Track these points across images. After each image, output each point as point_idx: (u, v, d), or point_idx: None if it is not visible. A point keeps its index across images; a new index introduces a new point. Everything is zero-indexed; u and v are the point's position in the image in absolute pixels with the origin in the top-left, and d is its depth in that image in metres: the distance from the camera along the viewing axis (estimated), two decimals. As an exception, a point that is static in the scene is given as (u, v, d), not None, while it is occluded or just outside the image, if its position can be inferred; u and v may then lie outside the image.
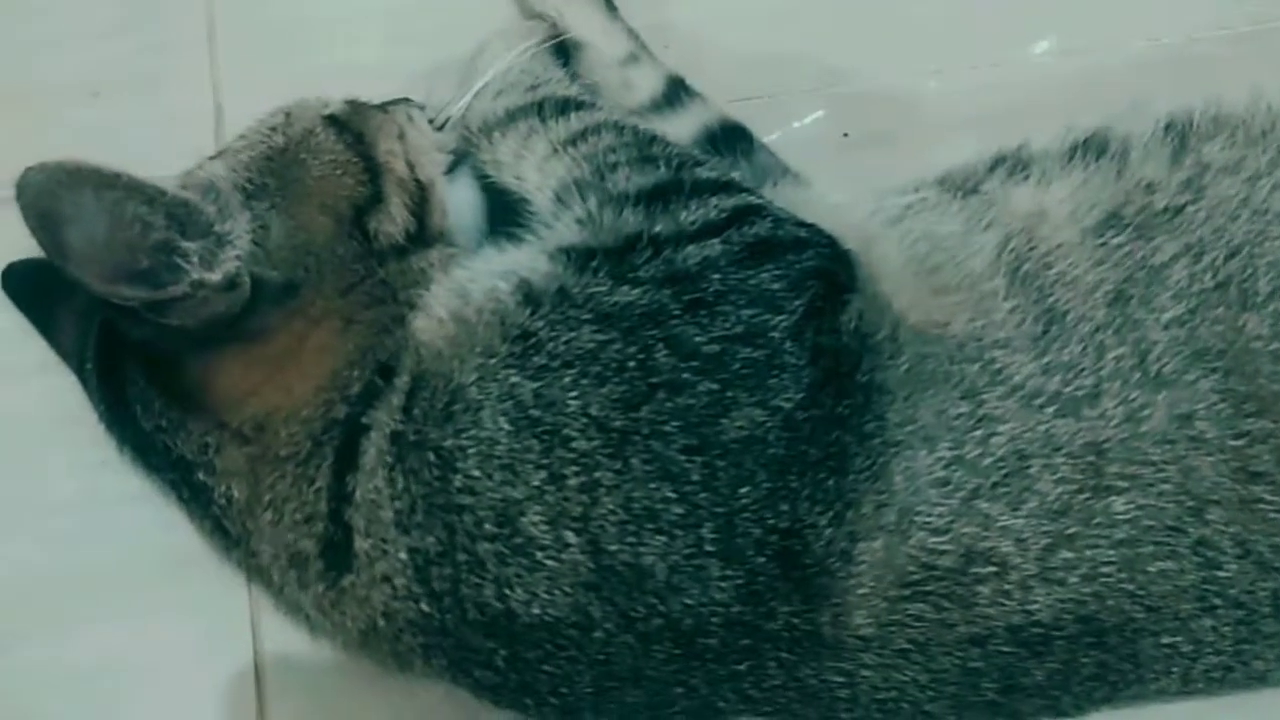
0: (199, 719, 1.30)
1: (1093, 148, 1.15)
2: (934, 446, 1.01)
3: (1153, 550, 1.01)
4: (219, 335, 1.07)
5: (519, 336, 1.03)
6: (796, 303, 1.04)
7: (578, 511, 0.99)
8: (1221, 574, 1.01)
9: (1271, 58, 1.40)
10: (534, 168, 1.19)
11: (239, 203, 1.09)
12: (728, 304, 1.03)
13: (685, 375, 1.00)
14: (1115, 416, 1.01)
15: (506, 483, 1.00)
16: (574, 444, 1.00)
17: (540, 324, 1.03)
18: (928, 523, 1.00)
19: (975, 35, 1.44)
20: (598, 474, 0.99)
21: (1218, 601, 1.02)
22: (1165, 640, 1.03)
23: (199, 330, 1.06)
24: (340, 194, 1.13)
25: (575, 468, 0.99)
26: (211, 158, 1.16)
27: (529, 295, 1.05)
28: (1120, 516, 1.00)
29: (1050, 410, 1.02)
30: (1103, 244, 1.08)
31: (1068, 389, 1.02)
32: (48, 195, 0.98)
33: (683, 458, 0.99)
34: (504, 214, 1.21)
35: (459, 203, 1.22)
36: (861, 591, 1.00)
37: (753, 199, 1.13)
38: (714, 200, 1.10)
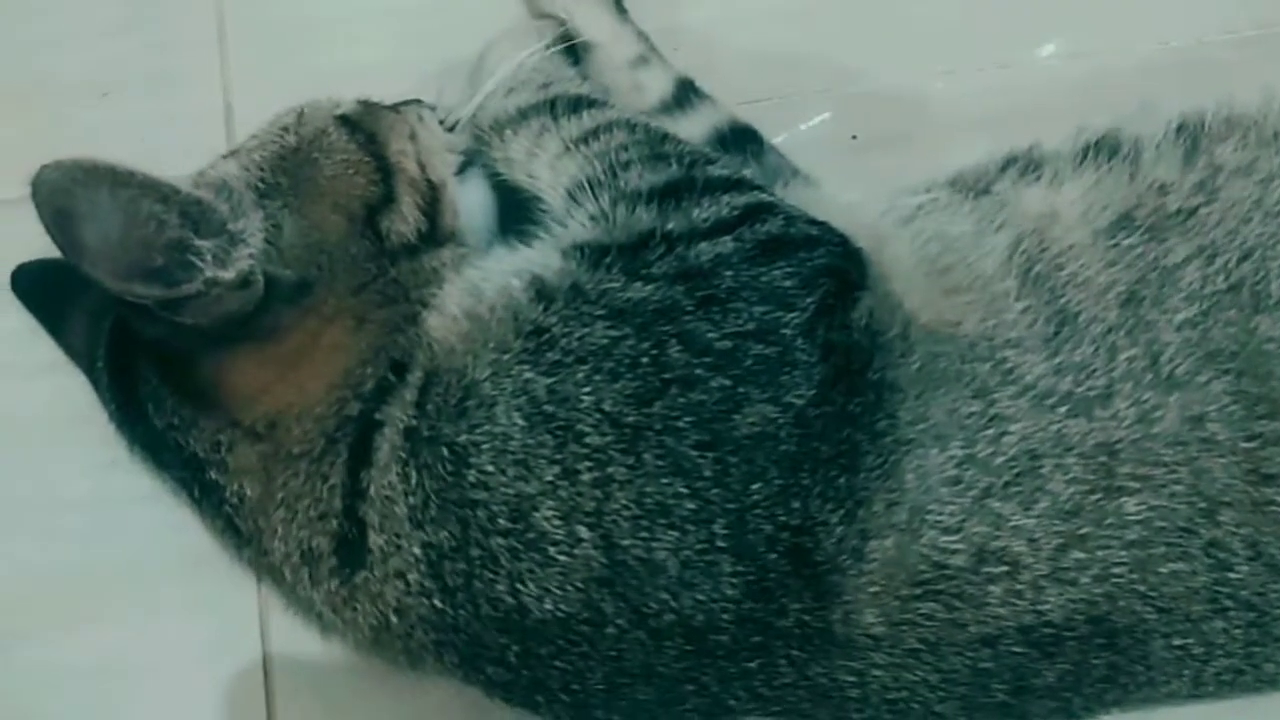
0: (207, 718, 1.30)
1: (1104, 149, 1.15)
2: (946, 445, 1.01)
3: (1164, 551, 1.01)
4: (232, 333, 1.07)
5: (532, 332, 1.03)
6: (808, 300, 1.04)
7: (591, 506, 1.00)
8: (1233, 575, 1.01)
9: (1279, 61, 1.40)
10: (546, 166, 1.19)
11: (252, 201, 1.09)
12: (740, 301, 1.03)
13: (698, 371, 1.01)
14: (1127, 417, 1.01)
15: (520, 478, 1.01)
16: (587, 439, 1.00)
17: (554, 320, 1.03)
18: (939, 521, 1.00)
19: (983, 37, 1.44)
20: (611, 469, 1.00)
21: (1229, 603, 1.02)
22: (1176, 642, 1.03)
23: (212, 328, 1.06)
24: (352, 193, 1.13)
25: (588, 463, 1.00)
26: (224, 157, 1.16)
27: (542, 291, 1.06)
28: (1132, 517, 1.00)
29: (1062, 410, 1.02)
30: (1115, 245, 1.08)
31: (1080, 389, 1.02)
32: (63, 193, 0.98)
33: (695, 453, 0.99)
34: (515, 215, 1.21)
35: (470, 203, 1.22)
36: (873, 590, 1.00)
37: (764, 197, 1.13)
38: (726, 198, 1.10)
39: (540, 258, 1.11)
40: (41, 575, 1.33)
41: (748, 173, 1.20)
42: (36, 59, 1.48)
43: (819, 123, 1.42)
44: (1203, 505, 1.01)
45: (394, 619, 1.07)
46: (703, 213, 1.09)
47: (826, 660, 1.02)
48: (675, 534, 0.99)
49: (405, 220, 1.14)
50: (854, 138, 1.41)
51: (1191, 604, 1.02)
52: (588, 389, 1.01)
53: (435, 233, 1.16)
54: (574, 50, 1.34)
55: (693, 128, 1.32)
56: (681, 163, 1.15)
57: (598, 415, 1.00)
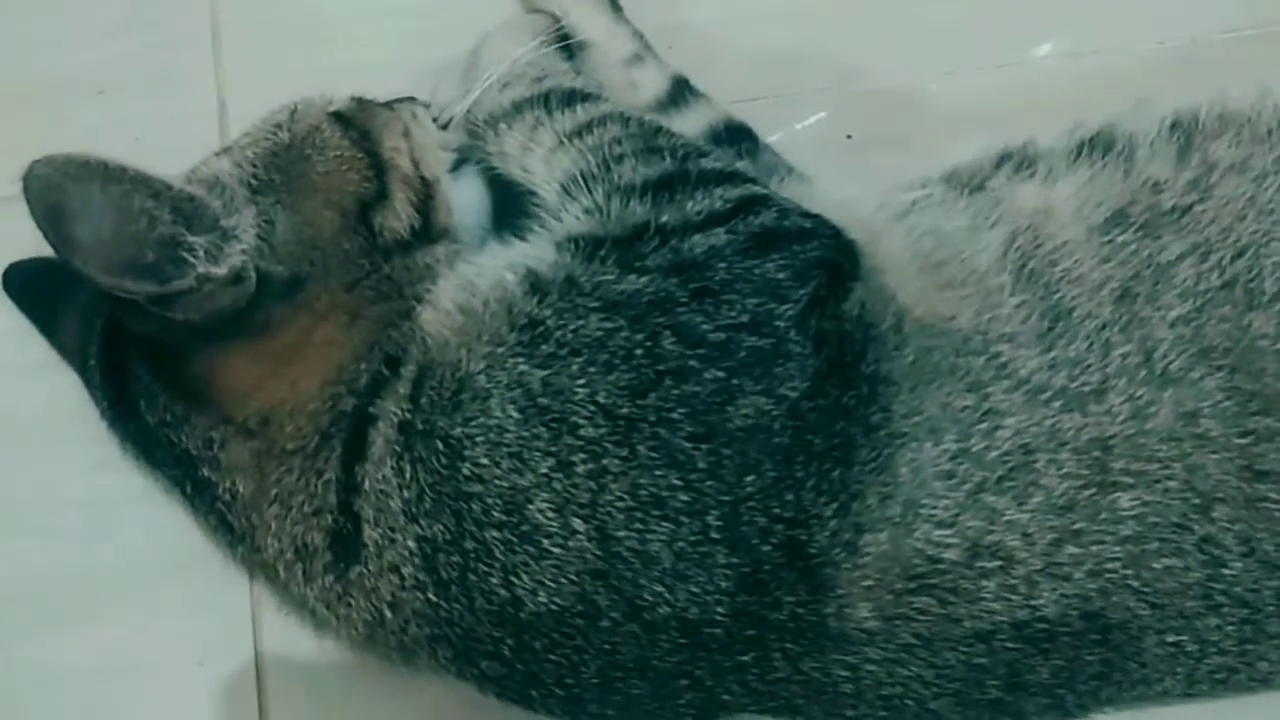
0: (200, 717, 1.30)
1: (1099, 146, 1.15)
2: (939, 439, 1.01)
3: (1158, 547, 1.01)
4: (224, 330, 1.07)
5: (527, 325, 1.03)
6: (801, 292, 1.04)
7: (585, 499, 0.99)
8: (1226, 572, 1.01)
9: (1276, 60, 1.40)
10: (540, 160, 1.19)
11: (244, 198, 1.09)
12: (733, 293, 1.03)
13: (692, 363, 1.01)
14: (1121, 413, 1.01)
15: (515, 470, 1.00)
16: (582, 431, 1.00)
17: (548, 312, 1.03)
18: (933, 515, 1.00)
19: (980, 37, 1.44)
20: (605, 461, 0.99)
21: (1222, 600, 1.02)
22: (1170, 638, 1.03)
23: (204, 325, 1.06)
24: (345, 189, 1.13)
25: (583, 455, 1.00)
26: (217, 154, 1.16)
27: (536, 284, 1.06)
28: (1126, 513, 1.00)
29: (1056, 405, 1.02)
30: (1109, 242, 1.08)
31: (1074, 384, 1.02)
32: (54, 188, 0.97)
33: (689, 445, 0.99)
34: (509, 212, 1.21)
35: (464, 200, 1.22)
36: (866, 584, 1.00)
37: (758, 189, 1.13)
38: (719, 191, 1.10)
39: (535, 251, 1.11)
40: (35, 575, 1.33)
41: (741, 166, 1.20)
42: (32, 57, 1.49)
43: (815, 122, 1.43)
44: (1196, 501, 1.00)
45: (388, 614, 1.06)
46: (696, 205, 1.09)
47: (820, 654, 1.02)
48: (669, 526, 0.99)
49: (398, 217, 1.14)
50: (849, 137, 1.42)
51: (1185, 600, 1.02)
52: (582, 381, 1.00)
53: (428, 229, 1.16)
54: (569, 47, 1.34)
55: (687, 126, 1.32)
56: (675, 156, 1.15)
57: (592, 407, 1.00)
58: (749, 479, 0.99)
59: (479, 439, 1.01)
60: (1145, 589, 1.01)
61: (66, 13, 1.49)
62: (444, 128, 1.26)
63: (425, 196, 1.17)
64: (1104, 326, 1.04)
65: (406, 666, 1.12)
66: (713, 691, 1.05)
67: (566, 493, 1.00)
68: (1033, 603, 1.01)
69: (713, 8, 1.45)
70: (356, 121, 1.18)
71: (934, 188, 1.17)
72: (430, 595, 1.04)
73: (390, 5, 1.48)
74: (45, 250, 1.00)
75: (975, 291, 1.07)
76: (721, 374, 1.00)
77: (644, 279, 1.04)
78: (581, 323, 1.02)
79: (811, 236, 1.08)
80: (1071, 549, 1.00)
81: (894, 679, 1.03)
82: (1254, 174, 1.10)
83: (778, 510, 0.99)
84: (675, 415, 1.00)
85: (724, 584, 1.00)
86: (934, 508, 1.00)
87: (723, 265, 1.04)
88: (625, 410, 1.00)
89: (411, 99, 1.29)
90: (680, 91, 1.35)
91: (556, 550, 1.00)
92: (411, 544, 1.03)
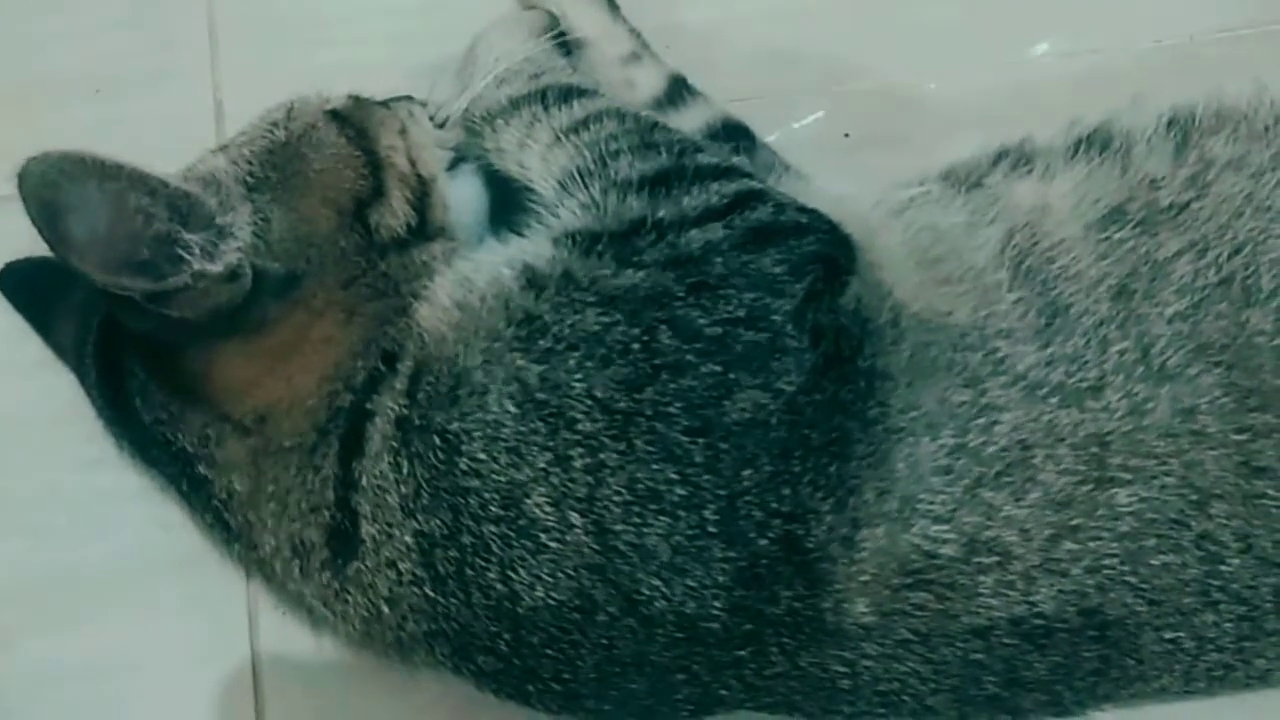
0: (196, 717, 1.30)
1: (1096, 142, 1.15)
2: (937, 434, 1.01)
3: (1155, 543, 1.01)
4: (220, 327, 1.06)
5: (524, 320, 1.03)
6: (797, 287, 1.04)
7: (582, 493, 0.99)
8: (1224, 568, 1.01)
9: (1273, 59, 1.40)
10: (537, 156, 1.20)
11: (240, 195, 1.09)
12: (730, 287, 1.03)
13: (688, 357, 1.01)
14: (1119, 409, 1.01)
15: (512, 465, 1.00)
16: (579, 426, 1.00)
17: (545, 307, 1.03)
18: (930, 511, 1.00)
19: (977, 36, 1.45)
20: (602, 455, 0.99)
21: (1220, 596, 1.02)
22: (1168, 635, 1.03)
23: (200, 322, 1.05)
24: (342, 187, 1.13)
25: (580, 449, 1.00)
26: (213, 152, 1.16)
27: (533, 279, 1.06)
28: (1123, 509, 1.00)
29: (1054, 401, 1.02)
30: (1106, 239, 1.08)
31: (1071, 380, 1.02)
32: (49, 185, 0.97)
33: (685, 439, 0.99)
34: (507, 210, 1.21)
35: (461, 199, 1.22)
36: (863, 578, 1.00)
37: (754, 184, 1.14)
38: (715, 185, 1.10)
39: (532, 247, 1.11)
40: (28, 574, 1.33)
41: (737, 160, 1.20)
42: (29, 56, 1.49)
43: (812, 121, 1.43)
44: (1194, 497, 1.00)
45: (385, 609, 1.06)
46: (693, 200, 1.09)
47: (818, 649, 1.02)
48: (666, 520, 0.99)
49: (395, 214, 1.14)
50: (847, 136, 1.42)
51: (1182, 597, 1.02)
52: (579, 375, 1.00)
53: (425, 227, 1.16)
54: (565, 45, 1.34)
55: (685, 125, 1.32)
56: (671, 151, 1.15)
57: (589, 402, 1.00)
58: (746, 473, 0.99)
59: (476, 434, 1.01)
60: (1143, 585, 1.01)
61: (64, 12, 1.50)
62: (441, 126, 1.27)
63: (422, 194, 1.17)
64: (1101, 323, 1.04)
65: (403, 663, 1.12)
66: (710, 687, 1.05)
67: (564, 487, 1.00)
68: (1030, 599, 1.01)
69: (710, 7, 1.46)
70: (353, 119, 1.18)
71: (931, 185, 1.17)
72: (427, 590, 1.04)
73: (387, 4, 1.49)
74: (41, 249, 1.00)
75: (973, 287, 1.07)
76: (718, 368, 1.00)
77: (641, 274, 1.04)
78: (578, 317, 1.02)
79: (807, 231, 1.08)
80: (1069, 545, 1.00)
81: (891, 675, 1.03)
82: (1251, 171, 1.10)
83: (775, 505, 0.99)
84: (672, 409, 1.00)
85: (721, 578, 0.99)
86: (931, 503, 1.00)
87: (719, 260, 1.05)
88: (622, 404, 1.00)
89: (408, 97, 1.29)
90: (678, 90, 1.35)
91: (554, 545, 1.00)
92: (409, 539, 1.03)
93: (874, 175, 1.24)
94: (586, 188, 1.13)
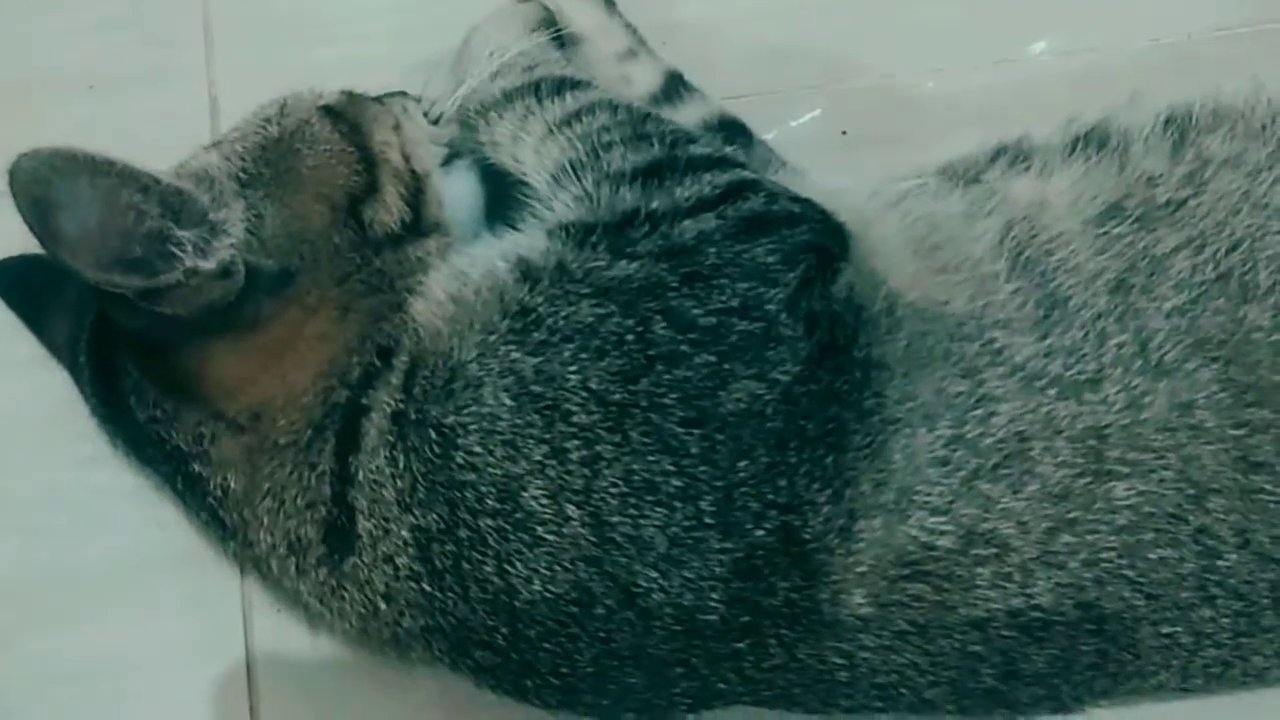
0: (191, 716, 1.29)
1: (1093, 140, 1.15)
2: (934, 425, 1.01)
3: (1153, 537, 1.00)
4: (213, 324, 1.06)
5: (519, 313, 1.03)
6: (790, 276, 1.04)
7: (579, 485, 0.99)
8: (1221, 563, 1.01)
9: (1271, 58, 1.40)
10: (531, 150, 1.20)
11: (233, 191, 1.09)
12: (723, 277, 1.03)
13: (683, 348, 1.01)
14: (1116, 402, 1.01)
15: (508, 458, 1.00)
16: (574, 418, 1.00)
17: (539, 299, 1.03)
18: (927, 502, 1.00)
19: (975, 34, 1.44)
20: (598, 447, 0.99)
21: (1217, 591, 1.02)
22: (1165, 630, 1.03)
23: (193, 319, 1.05)
24: (335, 183, 1.13)
25: (576, 441, 1.00)
26: (206, 148, 1.16)
27: (527, 272, 1.06)
28: (1121, 502, 1.00)
29: (1051, 393, 1.02)
30: (1104, 233, 1.08)
31: (1069, 373, 1.02)
32: (41, 182, 0.97)
33: (681, 430, 0.99)
34: (501, 207, 1.21)
35: (455, 195, 1.22)
36: (860, 570, 1.00)
37: (746, 174, 1.14)
38: (708, 176, 1.11)
39: (526, 240, 1.11)
40: (21, 573, 1.33)
41: (729, 151, 1.20)
42: (23, 53, 1.49)
43: (809, 119, 1.43)
44: (1191, 492, 1.00)
45: (382, 605, 1.06)
46: (685, 191, 1.09)
47: (815, 641, 1.02)
48: (663, 511, 0.99)
49: (389, 211, 1.14)
50: (844, 134, 1.42)
51: (1180, 591, 1.02)
52: (574, 368, 1.00)
53: (419, 223, 1.16)
54: (560, 38, 1.34)
55: (682, 121, 1.31)
56: (663, 142, 1.15)
57: (584, 393, 1.00)
58: (742, 464, 0.99)
59: (472, 427, 1.01)
60: (1140, 579, 1.01)
61: (60, 8, 1.50)
62: (435, 121, 1.27)
63: (416, 190, 1.17)
64: (1099, 316, 1.04)
65: (400, 660, 1.12)
66: (708, 680, 1.05)
67: (560, 479, 1.00)
68: (1027, 591, 1.00)
69: (708, 4, 1.46)
70: (347, 115, 1.18)
71: (929, 179, 1.17)
72: (424, 585, 1.04)
73: (382, 1, 1.49)
74: (33, 246, 1.00)
75: (970, 277, 1.07)
76: (713, 358, 1.00)
77: (635, 264, 1.04)
78: (573, 309, 1.02)
79: (800, 220, 1.09)
80: (1066, 538, 1.00)
81: (889, 667, 1.03)
82: (1248, 169, 1.10)
83: (771, 496, 0.99)
84: (667, 400, 1.00)
85: (718, 570, 0.99)
86: (928, 495, 1.00)
87: (712, 250, 1.05)
88: (618, 396, 1.00)
89: (403, 93, 1.29)
90: (674, 86, 1.35)
91: (550, 537, 1.00)
92: (406, 534, 1.03)
93: (871, 173, 1.23)
94: (580, 180, 1.13)
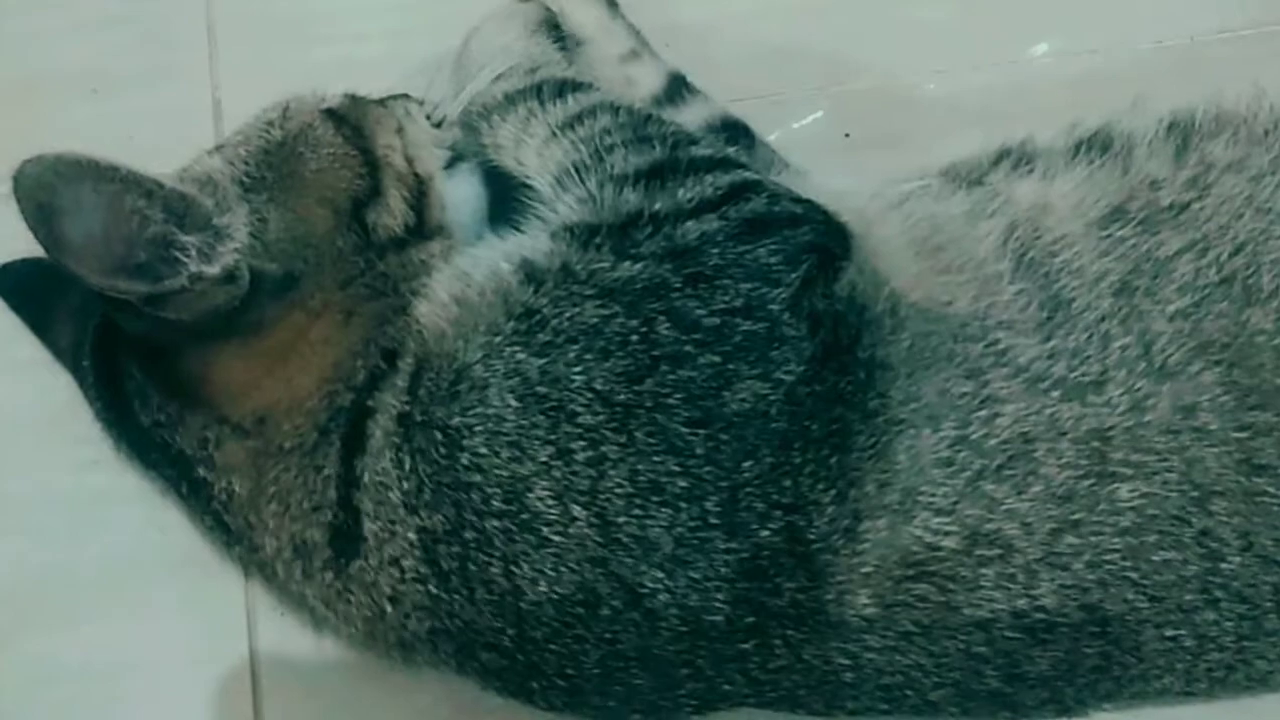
0: (194, 718, 1.29)
1: (1096, 145, 1.15)
2: (938, 426, 1.01)
3: (1157, 539, 1.01)
4: (218, 329, 1.07)
5: (523, 314, 1.04)
6: (793, 276, 1.04)
7: (584, 486, 0.99)
8: (1225, 566, 1.01)
9: (1273, 60, 1.40)
10: (534, 152, 1.20)
11: (237, 196, 1.09)
12: (727, 278, 1.04)
13: (687, 348, 1.01)
14: (1120, 404, 1.01)
15: (514, 459, 1.00)
16: (580, 419, 1.00)
17: (544, 301, 1.04)
18: (931, 503, 1.00)
19: (977, 36, 1.44)
20: (604, 448, 0.99)
21: (1220, 594, 1.02)
22: (1168, 633, 1.03)
23: (197, 324, 1.06)
24: (338, 187, 1.13)
25: (581, 442, 1.00)
26: (209, 152, 1.16)
27: (532, 274, 1.06)
28: (1125, 504, 1.00)
29: (1055, 394, 1.02)
30: (1108, 236, 1.08)
31: (1073, 374, 1.02)
32: (45, 187, 0.97)
33: (686, 430, 0.99)
34: (504, 209, 1.21)
35: (458, 198, 1.22)
36: (865, 570, 1.00)
37: (748, 175, 1.14)
38: (710, 177, 1.11)
39: (530, 241, 1.11)
40: (25, 575, 1.33)
41: (731, 152, 1.21)
42: (25, 54, 1.49)
43: (812, 121, 1.43)
44: (1195, 494, 1.01)
45: (388, 608, 1.06)
46: (688, 192, 1.09)
47: (821, 642, 1.02)
48: (668, 512, 0.99)
49: (392, 214, 1.14)
50: (847, 136, 1.42)
51: (1183, 594, 1.02)
52: (579, 368, 1.01)
53: (423, 226, 1.16)
54: (563, 38, 1.34)
55: (684, 123, 1.30)
56: (665, 144, 1.15)
57: (589, 394, 1.00)
58: (747, 464, 0.99)
59: (478, 428, 1.01)
60: (1144, 581, 1.01)
61: (61, 9, 1.50)
62: (438, 125, 1.27)
63: (419, 193, 1.17)
64: (1103, 318, 1.04)
65: (406, 663, 1.12)
66: (714, 681, 1.05)
67: (566, 480, 1.00)
68: (1031, 592, 1.01)
69: (710, 6, 1.46)
70: (350, 119, 1.19)
71: (931, 181, 1.18)
72: (431, 588, 1.04)
73: (384, 2, 1.49)
74: (37, 249, 0.99)
75: (973, 277, 1.07)
76: (717, 359, 1.01)
77: (638, 265, 1.04)
78: (577, 310, 1.02)
79: (802, 221, 1.09)
80: (1070, 539, 1.00)
81: (894, 668, 1.03)
82: (1251, 173, 1.11)
83: (776, 496, 0.99)
84: (672, 401, 1.00)
85: (724, 570, 1.00)
86: (933, 495, 1.00)
87: (715, 251, 1.05)
88: (622, 396, 1.00)
89: (405, 96, 1.29)
90: (677, 88, 1.35)
91: (556, 538, 1.00)
92: (412, 536, 1.03)
93: (874, 175, 1.24)
94: (583, 182, 1.13)
